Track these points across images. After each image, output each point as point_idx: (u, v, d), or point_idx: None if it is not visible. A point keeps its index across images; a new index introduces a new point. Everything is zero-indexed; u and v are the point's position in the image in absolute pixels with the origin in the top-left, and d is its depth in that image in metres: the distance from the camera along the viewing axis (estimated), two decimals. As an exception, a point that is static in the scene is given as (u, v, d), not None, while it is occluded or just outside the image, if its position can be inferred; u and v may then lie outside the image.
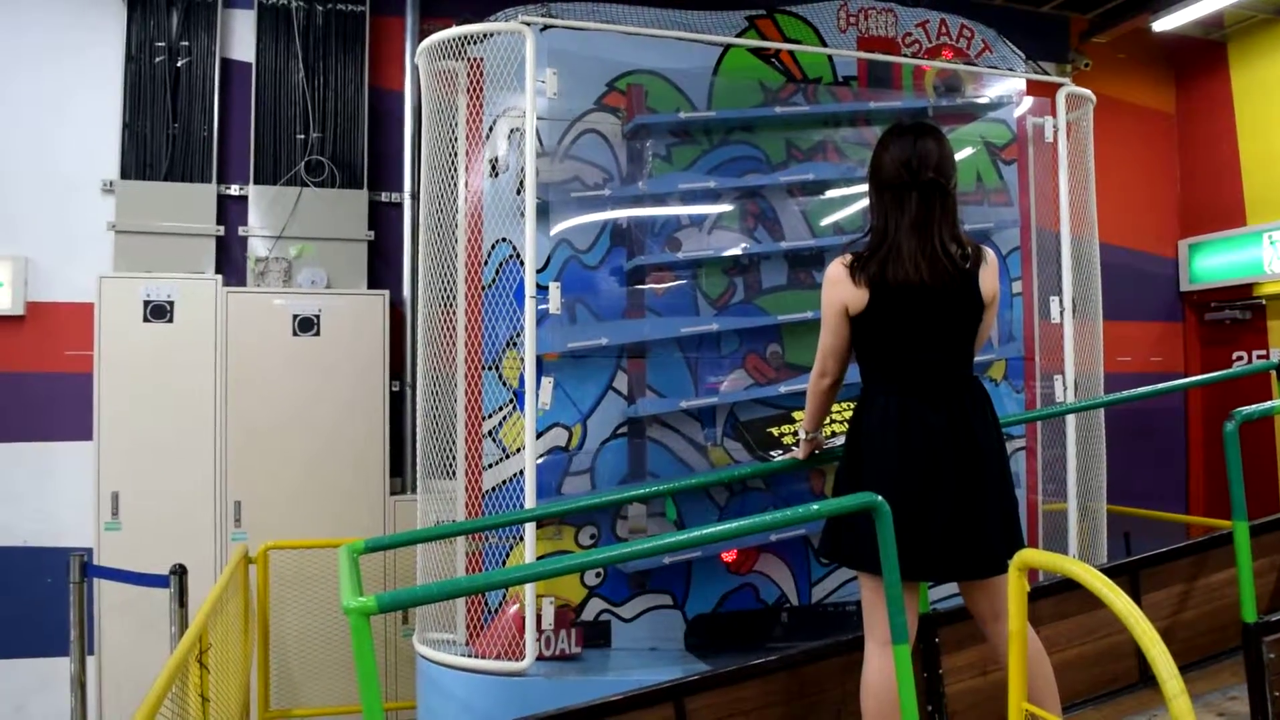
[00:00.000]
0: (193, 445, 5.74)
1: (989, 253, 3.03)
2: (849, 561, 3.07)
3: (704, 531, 2.60)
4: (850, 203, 4.79)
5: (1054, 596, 3.72)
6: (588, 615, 4.30)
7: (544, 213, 4.24)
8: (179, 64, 6.16)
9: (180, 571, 4.65)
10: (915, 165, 2.91)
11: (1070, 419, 4.76)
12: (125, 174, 6.06)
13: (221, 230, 6.18)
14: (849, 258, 3.00)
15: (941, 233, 2.92)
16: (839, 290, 3.00)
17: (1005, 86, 5.06)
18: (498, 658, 3.98)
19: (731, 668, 3.45)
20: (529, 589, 3.96)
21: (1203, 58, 7.79)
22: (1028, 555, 2.60)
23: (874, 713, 2.91)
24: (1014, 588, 2.58)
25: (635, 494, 4.05)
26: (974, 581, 3.02)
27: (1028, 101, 5.12)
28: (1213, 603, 4.14)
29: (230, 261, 6.20)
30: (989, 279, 3.00)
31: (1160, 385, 4.61)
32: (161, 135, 6.11)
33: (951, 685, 3.53)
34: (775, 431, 4.43)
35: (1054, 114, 4.95)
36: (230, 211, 6.23)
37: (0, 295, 5.87)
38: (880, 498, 2.61)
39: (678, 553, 4.23)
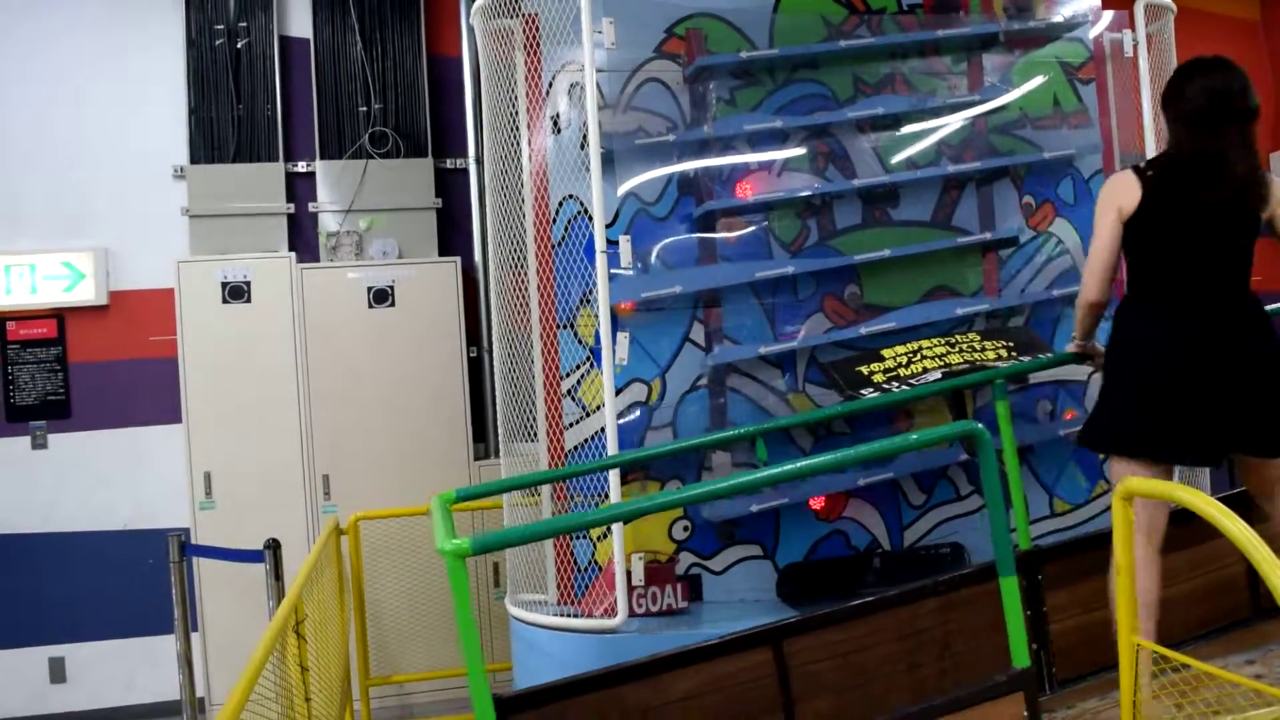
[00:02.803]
0: (278, 422, 5.83)
1: (1271, 177, 3.15)
2: (1103, 446, 3.30)
3: (806, 463, 2.62)
4: (923, 137, 4.65)
5: (1176, 526, 3.57)
6: (678, 570, 4.27)
7: (609, 163, 4.17)
8: (239, 45, 6.20)
9: (274, 546, 4.72)
10: (1221, 96, 3.06)
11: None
12: (194, 159, 6.13)
13: (292, 208, 6.23)
14: (1137, 167, 3.20)
15: (1236, 157, 3.05)
16: (1114, 197, 3.18)
17: (1079, 3, 4.85)
18: (604, 615, 3.97)
19: (829, 609, 3.42)
20: (618, 545, 3.93)
21: (1288, -40, 7.43)
22: (1132, 484, 2.50)
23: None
24: (1119, 518, 2.49)
25: (736, 434, 4.02)
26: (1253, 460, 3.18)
27: (1106, 17, 4.90)
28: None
29: (302, 238, 6.26)
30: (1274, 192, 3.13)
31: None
32: (227, 118, 6.16)
33: (1056, 623, 3.44)
34: (864, 370, 4.31)
35: (1132, 28, 4.73)
36: (299, 189, 6.28)
37: (84, 287, 6.00)
38: (980, 425, 2.60)
39: (767, 499, 4.19)
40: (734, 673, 3.29)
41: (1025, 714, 2.57)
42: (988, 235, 4.61)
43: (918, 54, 4.70)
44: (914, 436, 2.68)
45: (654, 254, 4.30)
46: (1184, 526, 3.52)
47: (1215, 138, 3.05)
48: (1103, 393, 3.29)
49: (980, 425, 2.57)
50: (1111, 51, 4.92)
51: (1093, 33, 4.86)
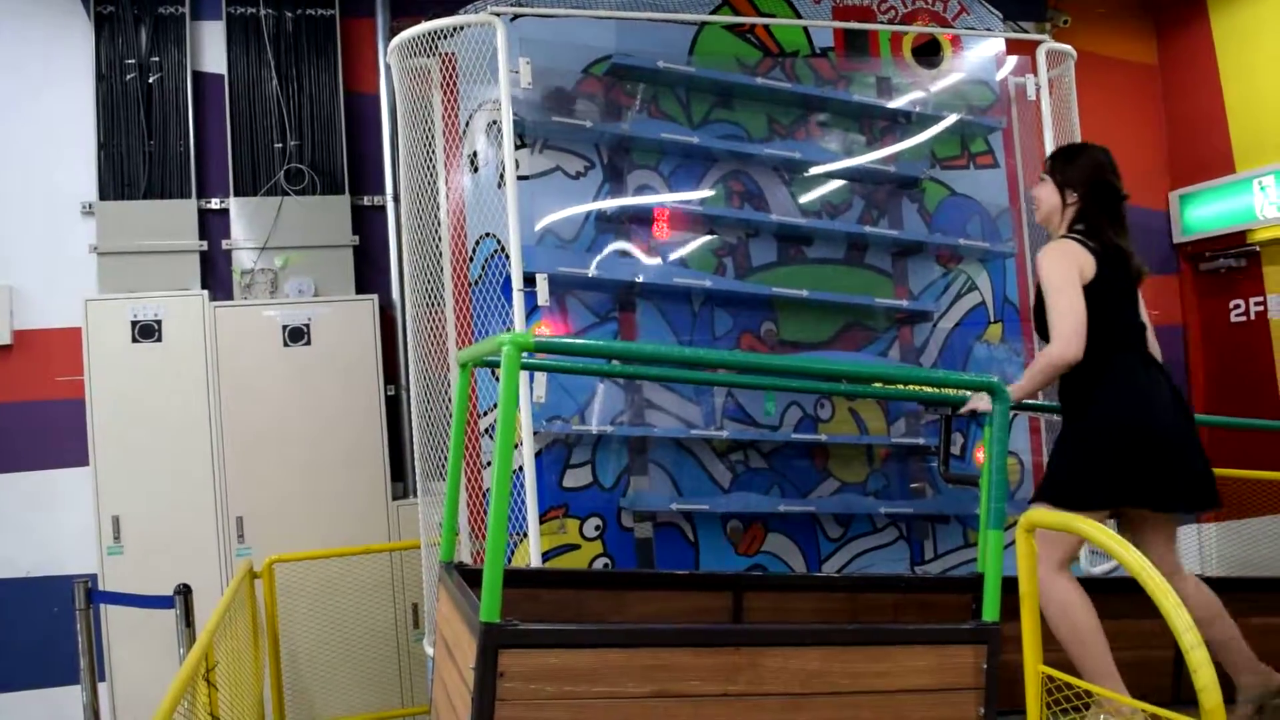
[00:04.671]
0: (191, 463, 5.69)
1: None
2: (1086, 503, 3.13)
3: (825, 364, 3.48)
4: (835, 178, 4.76)
5: (1112, 595, 3.46)
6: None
7: (521, 130, 4.23)
8: (150, 80, 6.09)
9: (185, 591, 4.61)
10: (1111, 172, 3.45)
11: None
12: (104, 195, 5.99)
13: (205, 245, 6.12)
14: (1072, 237, 3.38)
15: (1126, 224, 3.46)
16: (1076, 259, 3.29)
17: (984, 48, 5.01)
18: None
19: (791, 574, 3.63)
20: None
21: (1182, 6, 7.72)
22: (1036, 516, 2.56)
23: (1069, 639, 3.09)
24: (1023, 550, 2.54)
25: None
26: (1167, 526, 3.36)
27: (1010, 62, 5.07)
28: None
29: (216, 276, 6.14)
30: None
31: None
32: (138, 153, 6.04)
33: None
34: None
35: (1035, 72, 4.89)
36: (212, 226, 6.17)
37: (-14, 325, 5.83)
38: (998, 379, 2.79)
39: (686, 500, 4.38)
40: (691, 610, 3.39)
41: (985, 666, 2.60)
42: (904, 303, 4.74)
43: (836, 110, 4.84)
44: (937, 379, 3.26)
45: (572, 295, 4.34)
46: (1129, 596, 3.55)
47: (1122, 218, 3.45)
48: (1076, 451, 3.27)
49: (997, 379, 2.77)
50: (1016, 94, 5.07)
51: (998, 74, 5.03)
